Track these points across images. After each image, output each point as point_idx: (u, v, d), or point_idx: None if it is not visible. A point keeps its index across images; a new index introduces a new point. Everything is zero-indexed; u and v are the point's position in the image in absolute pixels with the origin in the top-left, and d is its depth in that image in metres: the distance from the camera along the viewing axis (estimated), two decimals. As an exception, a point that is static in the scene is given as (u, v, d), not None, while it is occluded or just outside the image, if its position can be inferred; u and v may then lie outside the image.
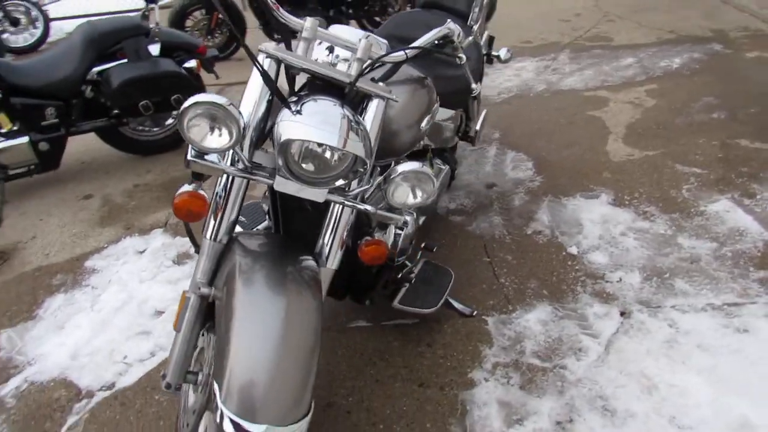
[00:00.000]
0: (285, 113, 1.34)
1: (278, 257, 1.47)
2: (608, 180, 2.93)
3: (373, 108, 1.51)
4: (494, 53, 2.97)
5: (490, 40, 3.07)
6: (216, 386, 1.26)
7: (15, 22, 6.87)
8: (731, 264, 2.29)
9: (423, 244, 2.25)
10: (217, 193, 1.45)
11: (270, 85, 1.41)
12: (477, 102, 2.77)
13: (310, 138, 1.29)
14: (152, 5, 3.39)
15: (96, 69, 3.24)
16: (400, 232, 2.00)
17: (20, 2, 6.94)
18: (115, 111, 3.32)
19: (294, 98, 1.38)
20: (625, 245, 2.45)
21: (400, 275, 2.00)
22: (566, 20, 5.84)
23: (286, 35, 1.53)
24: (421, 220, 2.30)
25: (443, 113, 2.30)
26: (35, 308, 2.39)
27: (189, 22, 5.34)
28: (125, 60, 3.26)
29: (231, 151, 1.39)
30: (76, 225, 2.99)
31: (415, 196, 1.50)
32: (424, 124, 1.71)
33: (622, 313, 2.10)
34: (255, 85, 1.45)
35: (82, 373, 2.05)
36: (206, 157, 1.36)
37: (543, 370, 1.90)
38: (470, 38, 1.76)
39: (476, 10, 1.75)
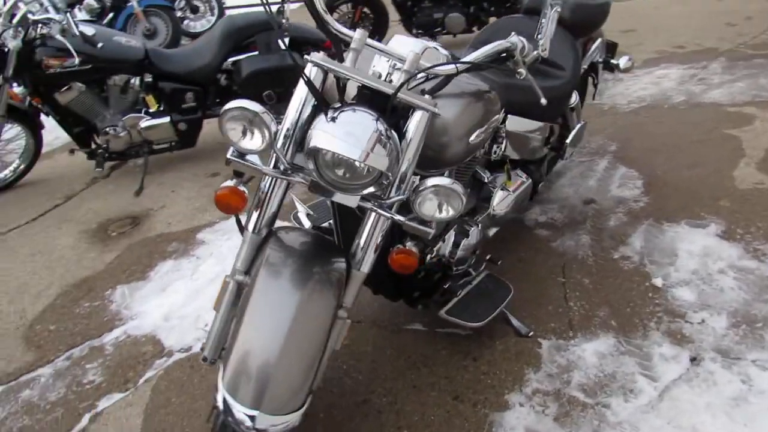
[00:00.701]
0: (320, 120, 1.43)
1: (309, 255, 1.57)
2: (724, 209, 2.65)
3: (416, 120, 1.54)
4: (614, 61, 2.81)
5: (611, 47, 2.90)
6: (221, 366, 1.39)
7: (195, 10, 7.68)
8: None
9: (488, 256, 2.23)
10: (260, 189, 1.57)
11: (314, 92, 1.50)
12: (575, 113, 2.65)
13: (332, 148, 1.36)
14: (282, 5, 3.64)
15: (231, 59, 3.57)
16: (459, 240, 2.01)
17: (202, -8, 7.75)
18: (245, 98, 3.63)
19: (335, 106, 1.46)
20: (721, 284, 2.22)
21: (448, 285, 2.01)
22: (733, 24, 5.25)
23: (338, 45, 1.61)
24: (492, 231, 2.28)
25: (528, 125, 2.24)
26: (148, 270, 2.74)
27: (335, 15, 5.62)
28: (257, 52, 3.55)
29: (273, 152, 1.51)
30: (199, 199, 3.34)
31: (440, 211, 1.51)
32: (473, 137, 1.69)
33: (693, 359, 1.92)
34: (301, 91, 1.54)
35: (169, 334, 2.33)
36: (248, 156, 1.49)
37: (584, 405, 1.81)
38: (536, 52, 1.70)
39: (543, 21, 1.68)
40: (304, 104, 1.55)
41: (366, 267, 1.61)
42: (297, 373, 1.40)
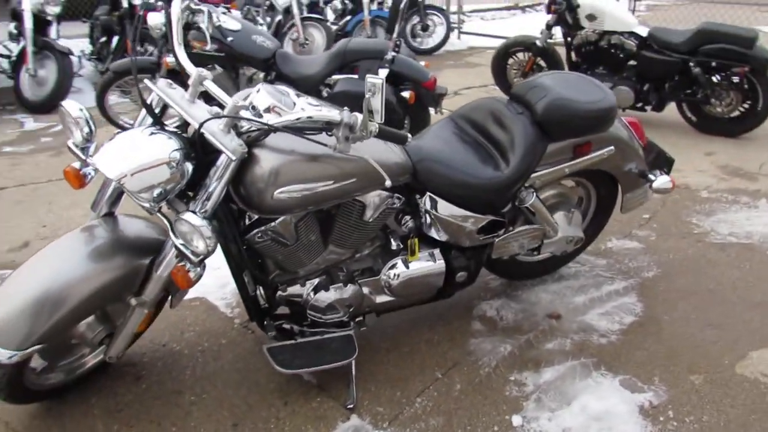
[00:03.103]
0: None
1: (124, 239, 1.87)
2: (686, 384, 2.16)
3: (220, 159, 1.72)
4: (651, 176, 2.51)
5: (663, 161, 2.56)
6: None
7: (425, 28, 8.24)
8: None
9: (358, 318, 2.23)
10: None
11: (148, 111, 1.79)
12: (569, 220, 2.45)
13: (94, 161, 1.66)
14: (396, 38, 3.85)
15: (334, 77, 3.92)
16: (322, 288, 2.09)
17: (436, 12, 8.26)
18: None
19: (139, 127, 1.74)
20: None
21: (289, 325, 2.10)
22: None
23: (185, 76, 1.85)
24: (382, 299, 2.25)
25: (453, 210, 2.17)
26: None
27: (510, 60, 5.60)
28: (356, 75, 3.85)
29: None
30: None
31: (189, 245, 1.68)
32: (281, 193, 1.77)
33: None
34: (143, 110, 1.84)
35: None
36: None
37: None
38: (361, 132, 1.68)
39: (367, 96, 1.64)
40: (143, 120, 1.84)
41: (161, 270, 1.84)
42: (24, 320, 1.69)
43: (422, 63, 4.04)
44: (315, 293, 2.11)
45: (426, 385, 2.19)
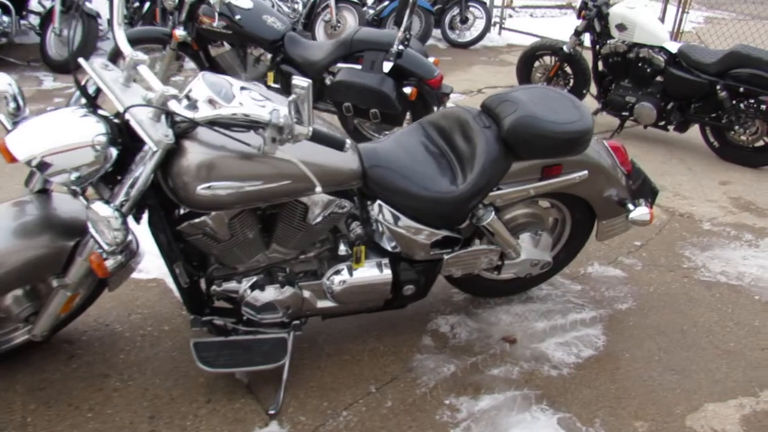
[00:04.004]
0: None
1: (55, 218, 1.86)
2: (628, 427, 2.04)
3: (145, 149, 1.68)
4: (630, 206, 2.37)
5: (646, 191, 2.42)
6: None
7: (464, 20, 8.03)
8: None
9: (296, 322, 2.17)
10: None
11: (82, 92, 1.75)
12: (537, 242, 2.37)
13: (5, 141, 1.63)
14: (405, 32, 3.72)
15: (339, 64, 3.83)
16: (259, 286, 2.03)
17: (477, 5, 8.03)
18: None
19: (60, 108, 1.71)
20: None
21: (221, 322, 2.07)
22: None
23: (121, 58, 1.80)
24: (324, 303, 2.19)
25: (404, 220, 2.09)
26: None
27: (537, 63, 5.41)
28: (359, 66, 3.75)
29: None
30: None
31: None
32: (204, 189, 1.71)
33: None
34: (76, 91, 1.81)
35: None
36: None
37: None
38: (296, 134, 1.60)
39: (293, 97, 1.57)
40: (76, 100, 1.80)
41: (84, 254, 1.81)
42: None
43: (431, 60, 3.92)
44: (251, 291, 2.06)
45: (356, 399, 2.12)
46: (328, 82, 3.91)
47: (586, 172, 2.25)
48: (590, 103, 5.12)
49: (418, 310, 2.55)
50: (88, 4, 5.75)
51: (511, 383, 2.23)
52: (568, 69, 5.19)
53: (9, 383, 2.06)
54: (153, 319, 2.43)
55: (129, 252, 1.89)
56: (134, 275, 2.58)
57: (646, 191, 2.50)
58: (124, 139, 1.73)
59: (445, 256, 2.19)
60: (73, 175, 1.65)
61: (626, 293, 2.83)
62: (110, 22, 1.76)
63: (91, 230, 1.66)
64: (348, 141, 1.73)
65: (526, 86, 2.31)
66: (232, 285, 2.07)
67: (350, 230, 2.13)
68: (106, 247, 1.67)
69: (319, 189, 1.75)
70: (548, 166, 2.20)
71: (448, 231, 2.18)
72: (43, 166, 1.61)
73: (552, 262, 2.48)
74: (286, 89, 4.02)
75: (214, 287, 2.06)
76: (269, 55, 4.08)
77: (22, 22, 5.94)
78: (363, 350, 2.35)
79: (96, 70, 1.76)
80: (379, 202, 2.09)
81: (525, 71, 5.43)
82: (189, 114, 1.63)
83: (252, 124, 1.65)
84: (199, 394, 2.08)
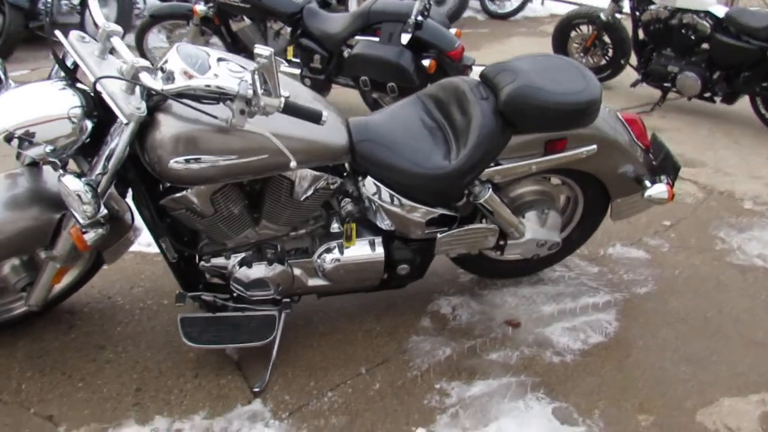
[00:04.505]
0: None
1: (44, 192, 1.87)
2: (631, 424, 1.91)
3: (117, 122, 1.65)
4: (647, 182, 2.22)
5: (667, 167, 2.26)
6: None
7: (507, -8, 7.73)
8: None
9: (287, 300, 2.13)
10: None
11: (59, 64, 1.74)
12: (542, 220, 2.27)
13: None
14: (428, 3, 3.57)
15: (357, 37, 3.73)
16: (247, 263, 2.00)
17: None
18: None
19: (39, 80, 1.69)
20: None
21: (210, 297, 2.06)
22: None
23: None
24: (315, 282, 2.14)
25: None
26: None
27: (573, 33, 5.14)
28: (376, 38, 3.64)
29: None
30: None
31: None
32: (176, 164, 1.67)
33: None
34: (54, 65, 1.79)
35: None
36: None
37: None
38: (262, 105, 1.54)
39: (255, 69, 1.49)
40: (56, 72, 1.78)
41: (67, 227, 1.82)
42: None
43: (453, 31, 3.77)
44: (239, 267, 2.03)
45: (344, 379, 2.07)
46: (346, 55, 3.82)
47: (594, 146, 2.10)
48: (630, 75, 4.85)
49: (420, 290, 2.47)
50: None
51: (508, 369, 2.13)
52: (606, 38, 4.91)
53: (10, 350, 2.11)
54: (154, 293, 2.44)
55: (116, 226, 1.88)
56: (142, 249, 2.63)
57: (667, 167, 2.32)
58: (99, 111, 1.70)
59: (438, 235, 2.09)
60: (48, 148, 1.64)
61: (647, 276, 2.66)
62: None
63: (67, 204, 1.65)
64: (325, 113, 1.65)
65: (531, 54, 2.16)
66: (220, 261, 2.04)
67: (341, 207, 2.06)
68: (82, 221, 1.66)
69: (293, 164, 1.68)
70: (552, 140, 2.05)
71: (443, 209, 2.08)
72: (13, 139, 1.61)
73: (561, 243, 2.35)
74: (305, 63, 3.96)
75: (202, 263, 2.03)
76: (289, 29, 4.02)
77: (63, 2, 6.07)
78: (358, 330, 2.29)
79: (72, 42, 1.73)
80: (369, 178, 2.01)
81: (560, 42, 5.18)
82: (156, 85, 1.58)
83: (222, 96, 1.59)
84: (187, 369, 2.08)
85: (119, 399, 1.95)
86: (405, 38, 3.56)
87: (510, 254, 2.31)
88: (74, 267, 2.18)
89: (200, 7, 4.02)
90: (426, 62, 3.56)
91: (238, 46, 4.21)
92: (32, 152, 1.64)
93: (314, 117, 1.65)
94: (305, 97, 1.93)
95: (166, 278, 2.51)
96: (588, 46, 4.97)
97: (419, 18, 3.55)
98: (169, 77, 1.68)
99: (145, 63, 1.63)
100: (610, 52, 4.93)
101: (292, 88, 1.90)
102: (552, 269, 2.65)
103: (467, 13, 7.57)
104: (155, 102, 1.68)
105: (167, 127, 1.67)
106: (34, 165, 1.96)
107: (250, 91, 1.55)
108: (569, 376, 2.11)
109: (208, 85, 1.57)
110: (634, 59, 4.80)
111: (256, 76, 1.50)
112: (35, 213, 1.82)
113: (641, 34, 4.66)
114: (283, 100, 1.58)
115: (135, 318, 2.30)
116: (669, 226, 3.06)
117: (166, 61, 1.73)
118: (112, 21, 5.31)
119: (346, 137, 1.94)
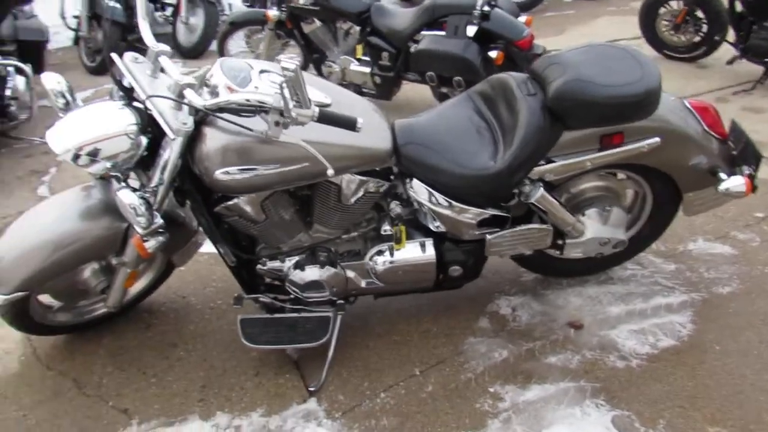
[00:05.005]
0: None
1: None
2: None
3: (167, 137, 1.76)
4: (722, 175, 2.09)
5: (747, 154, 2.10)
6: None
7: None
8: None
9: (341, 301, 2.17)
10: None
11: (116, 82, 1.87)
12: (602, 219, 2.17)
13: (46, 137, 1.77)
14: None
15: (424, 32, 3.70)
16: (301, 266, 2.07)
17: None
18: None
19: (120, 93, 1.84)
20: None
21: (267, 299, 2.14)
22: None
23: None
24: (366, 282, 2.16)
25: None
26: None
27: (662, 10, 4.80)
28: (443, 32, 3.59)
29: None
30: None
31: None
32: (222, 174, 1.75)
33: None
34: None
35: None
36: None
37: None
38: (293, 116, 1.57)
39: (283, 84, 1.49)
40: (117, 93, 1.92)
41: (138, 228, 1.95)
42: (12, 267, 1.91)
43: (522, 18, 3.64)
44: (294, 270, 2.09)
45: (398, 381, 2.08)
46: (412, 50, 3.80)
47: (657, 139, 1.96)
48: (726, 51, 4.47)
49: (480, 290, 2.43)
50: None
51: (567, 373, 2.05)
52: (699, 13, 4.55)
53: (95, 347, 2.30)
54: (224, 293, 2.56)
55: (181, 232, 2.01)
56: (214, 250, 2.77)
57: (748, 157, 2.13)
58: (153, 127, 1.81)
59: (488, 237, 2.05)
60: (108, 164, 1.77)
61: (732, 274, 2.46)
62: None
63: (125, 215, 1.78)
64: (361, 120, 1.65)
65: (584, 45, 2.04)
66: (276, 264, 2.11)
67: (390, 210, 2.07)
68: (139, 231, 1.78)
69: (330, 172, 1.71)
70: (607, 134, 1.94)
71: (494, 209, 2.03)
72: (80, 157, 1.75)
73: (626, 241, 2.22)
74: (374, 61, 3.98)
75: (259, 266, 2.12)
76: (357, 28, 4.05)
77: (158, 14, 6.48)
78: (414, 331, 2.29)
79: (126, 63, 1.86)
80: (416, 180, 2.00)
81: (648, 20, 4.86)
82: (198, 102, 1.66)
83: (258, 109, 1.64)
84: (249, 367, 2.17)
85: (186, 395, 2.08)
86: (471, 30, 3.48)
87: (571, 253, 2.21)
88: (148, 270, 2.34)
89: (273, 13, 4.16)
90: (493, 54, 3.47)
91: (312, 47, 4.31)
92: (94, 168, 1.77)
93: (350, 124, 1.66)
94: (348, 102, 1.95)
95: (234, 280, 2.63)
96: (679, 22, 4.63)
97: (485, 8, 3.46)
98: (213, 91, 1.76)
99: (190, 80, 1.72)
100: (704, 28, 4.57)
101: (336, 94, 1.93)
102: (623, 267, 2.51)
103: (551, -7, 7.29)
104: (201, 116, 1.77)
105: (212, 139, 1.75)
106: (104, 178, 2.12)
107: (282, 103, 1.59)
108: (633, 383, 2.00)
109: (248, 100, 1.63)
110: (730, 34, 4.42)
111: (285, 89, 1.54)
112: (106, 223, 1.97)
113: (738, 6, 4.27)
114: (316, 110, 1.60)
115: (205, 317, 2.43)
116: (762, 218, 2.80)
117: (211, 76, 1.81)
118: (200, 28, 5.61)
119: (390, 141, 1.95)
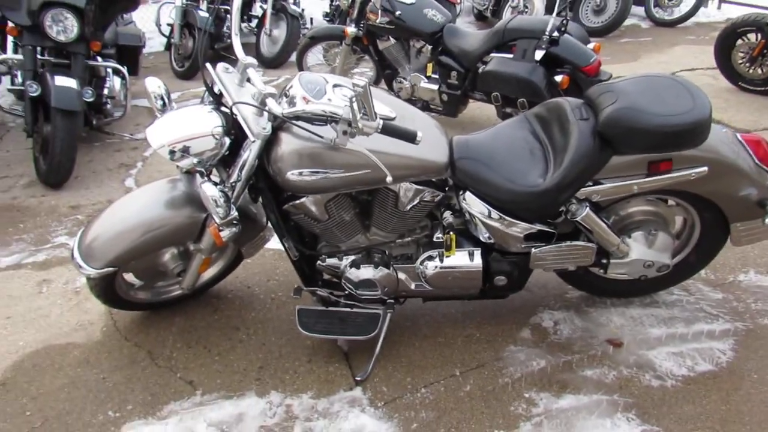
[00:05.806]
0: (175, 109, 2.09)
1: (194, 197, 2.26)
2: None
3: (249, 139, 1.99)
4: None
5: None
6: None
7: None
8: None
9: (390, 300, 2.34)
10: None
11: (208, 89, 2.13)
12: (651, 241, 2.24)
13: (147, 132, 2.02)
14: (562, 17, 3.59)
15: (492, 54, 3.85)
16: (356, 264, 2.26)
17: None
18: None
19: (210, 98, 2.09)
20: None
21: (326, 293, 2.34)
22: None
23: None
24: (415, 285, 2.32)
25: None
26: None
27: (739, 42, 4.75)
28: (510, 55, 3.73)
29: None
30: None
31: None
32: (294, 175, 1.95)
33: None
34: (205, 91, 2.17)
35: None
36: None
37: (285, 436, 2.01)
38: (361, 126, 1.75)
39: (355, 97, 1.66)
40: (208, 98, 2.17)
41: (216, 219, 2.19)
42: (105, 246, 2.18)
43: (591, 45, 3.74)
44: (350, 268, 2.28)
45: (438, 379, 2.22)
46: (481, 71, 3.95)
47: (705, 168, 2.04)
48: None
49: (525, 302, 2.55)
50: (293, 6, 6.48)
51: (601, 387, 2.14)
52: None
53: (168, 324, 2.56)
54: (285, 286, 2.78)
55: (252, 226, 2.24)
56: (279, 246, 2.98)
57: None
58: (236, 130, 2.05)
59: (533, 250, 2.17)
60: (195, 160, 2.01)
61: (780, 308, 2.47)
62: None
63: (205, 206, 2.02)
64: (420, 134, 1.82)
65: (640, 74, 2.14)
66: (334, 261, 2.31)
67: (443, 219, 2.23)
68: (217, 221, 2.02)
69: (389, 179, 1.89)
70: (655, 161, 2.03)
71: (541, 225, 2.15)
72: (172, 153, 2.00)
73: (671, 266, 2.28)
74: (443, 80, 4.16)
75: (318, 262, 2.31)
76: (429, 47, 4.24)
77: (243, 25, 6.92)
78: (459, 335, 2.43)
79: (218, 73, 2.10)
80: (469, 192, 2.15)
81: (724, 52, 4.81)
82: (277, 111, 1.88)
83: (329, 118, 1.84)
84: (303, 354, 2.37)
85: (245, 373, 2.29)
86: (539, 54, 3.61)
87: (614, 273, 2.30)
88: (219, 259, 2.59)
89: (351, 29, 4.41)
90: (558, 78, 3.58)
91: (385, 63, 4.54)
92: (183, 163, 2.02)
93: (410, 137, 1.84)
94: (411, 117, 2.13)
95: (295, 274, 2.84)
96: (755, 55, 4.58)
97: (555, 34, 3.58)
98: (291, 101, 1.97)
99: (272, 90, 1.94)
100: (782, 61, 4.50)
101: (400, 109, 2.11)
102: (669, 292, 2.56)
103: (629, 21, 7.25)
104: (279, 122, 1.99)
105: (286, 144, 1.96)
106: (189, 172, 2.38)
107: (351, 115, 1.78)
108: (666, 401, 2.06)
109: (323, 111, 1.83)
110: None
111: (355, 102, 1.73)
112: (188, 212, 2.21)
113: (818, 41, 4.20)
114: (380, 122, 1.78)
115: (266, 306, 2.66)
116: (819, 255, 2.78)
117: (290, 88, 2.03)
118: (282, 40, 5.96)
119: (447, 154, 2.11)
